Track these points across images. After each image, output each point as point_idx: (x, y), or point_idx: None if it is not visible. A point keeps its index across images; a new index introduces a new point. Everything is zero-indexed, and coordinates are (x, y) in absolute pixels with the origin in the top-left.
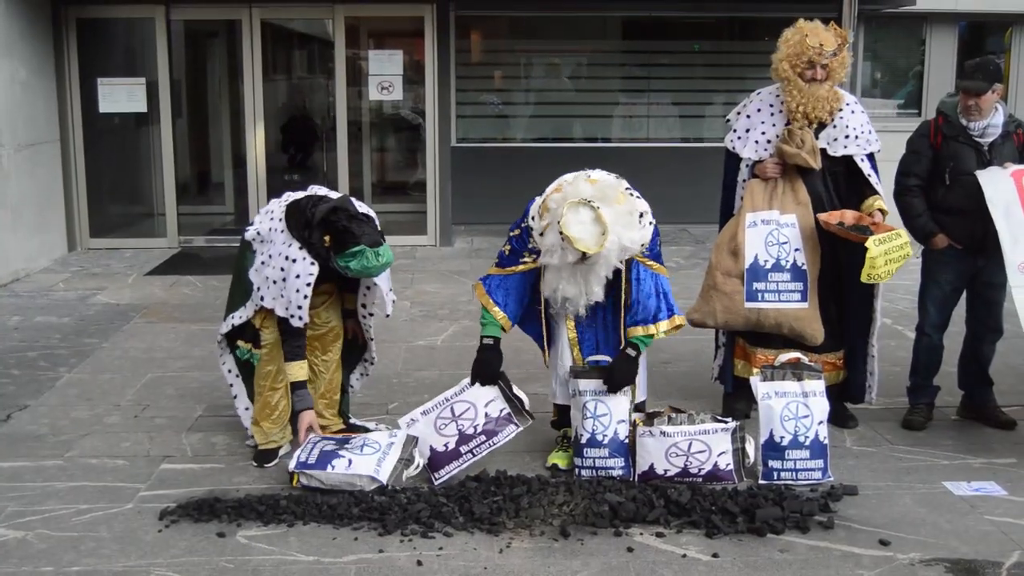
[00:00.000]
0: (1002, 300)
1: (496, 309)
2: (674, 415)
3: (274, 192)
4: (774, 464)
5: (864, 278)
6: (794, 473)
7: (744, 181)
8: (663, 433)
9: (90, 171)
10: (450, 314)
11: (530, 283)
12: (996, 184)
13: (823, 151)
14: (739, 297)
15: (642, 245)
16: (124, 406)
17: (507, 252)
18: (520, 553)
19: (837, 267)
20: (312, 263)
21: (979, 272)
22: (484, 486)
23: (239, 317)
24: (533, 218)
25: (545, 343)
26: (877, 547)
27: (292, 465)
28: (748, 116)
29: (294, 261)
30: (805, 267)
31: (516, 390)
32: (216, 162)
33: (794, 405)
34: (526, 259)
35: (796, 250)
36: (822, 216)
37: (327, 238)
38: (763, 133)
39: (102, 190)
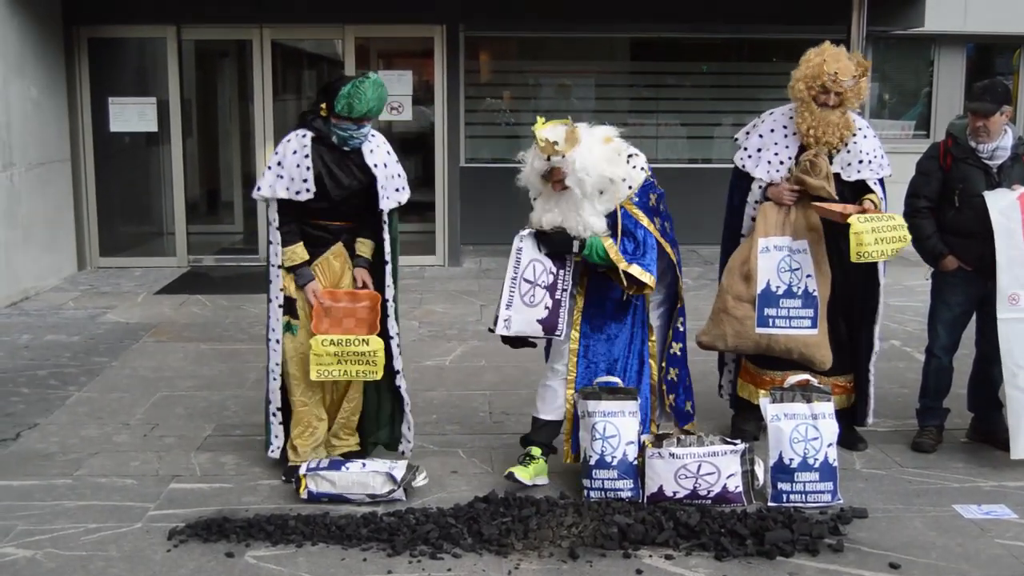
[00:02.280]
0: None
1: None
2: (683, 437)
3: None
4: (783, 486)
5: (853, 257)
6: (803, 495)
7: (757, 203)
8: (672, 455)
9: (100, 190)
10: (458, 334)
11: None
12: (1002, 207)
13: (836, 175)
14: (750, 322)
15: (630, 187)
16: (133, 425)
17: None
18: (529, 575)
19: (848, 290)
20: (304, 136)
21: (989, 294)
22: (493, 507)
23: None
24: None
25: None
26: (887, 570)
27: (302, 470)
28: (760, 135)
29: (287, 141)
30: (816, 293)
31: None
32: (226, 181)
33: (803, 427)
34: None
35: (808, 276)
36: (815, 204)
37: (323, 105)
38: (776, 155)
39: (112, 209)
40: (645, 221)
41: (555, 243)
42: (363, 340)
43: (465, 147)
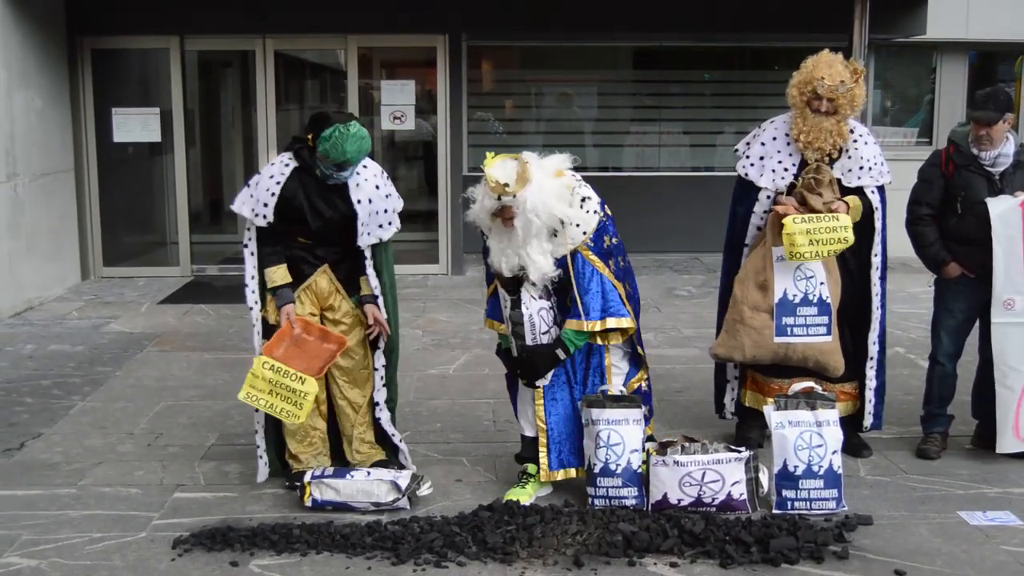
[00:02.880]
0: None
1: (500, 325)
2: (687, 444)
3: None
4: (788, 494)
5: (788, 257)
6: (808, 503)
7: (766, 212)
8: (676, 462)
9: (104, 200)
10: (462, 343)
11: None
12: (1004, 214)
13: (837, 181)
14: (768, 332)
15: (584, 233)
16: (137, 434)
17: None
18: None
19: (852, 297)
20: (286, 164)
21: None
22: (497, 515)
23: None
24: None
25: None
26: None
27: (307, 477)
28: (763, 143)
29: (272, 164)
30: (829, 300)
31: None
32: (229, 191)
33: (808, 434)
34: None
35: (821, 283)
36: (779, 208)
37: (310, 136)
38: (780, 162)
39: (116, 219)
40: (600, 266)
41: (540, 367)
42: (299, 378)
43: (468, 156)
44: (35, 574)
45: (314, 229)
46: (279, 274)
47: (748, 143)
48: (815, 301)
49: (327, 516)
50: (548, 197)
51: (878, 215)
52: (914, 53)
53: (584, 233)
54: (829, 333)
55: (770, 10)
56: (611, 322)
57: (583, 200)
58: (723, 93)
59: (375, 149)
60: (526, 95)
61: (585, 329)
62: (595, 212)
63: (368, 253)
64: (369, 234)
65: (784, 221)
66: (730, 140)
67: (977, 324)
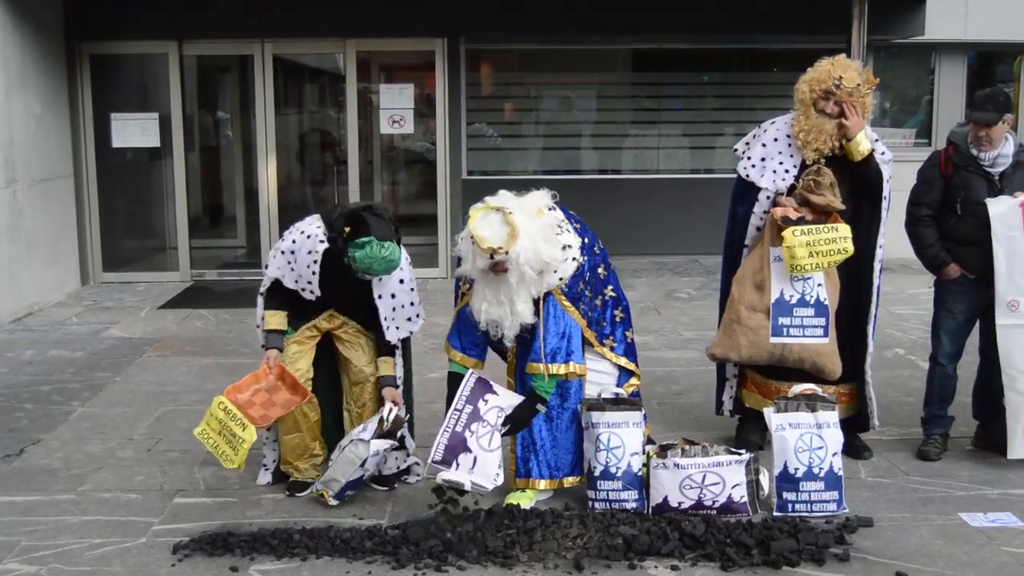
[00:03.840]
0: None
1: (455, 353)
2: (688, 447)
3: (286, 225)
4: (788, 496)
5: (788, 269)
6: (809, 505)
7: (765, 213)
8: (677, 465)
9: (103, 205)
10: None
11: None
12: (1003, 215)
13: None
14: (764, 332)
15: (560, 279)
16: (137, 440)
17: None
18: None
19: (851, 298)
20: (320, 241)
21: (992, 302)
22: (497, 519)
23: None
24: (462, 236)
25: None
26: None
27: (317, 486)
28: (764, 144)
29: (308, 237)
30: (827, 302)
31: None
32: (228, 196)
33: (808, 436)
34: (463, 290)
35: (819, 285)
36: (777, 210)
37: (347, 229)
38: (781, 163)
39: (115, 224)
40: (571, 311)
41: (521, 419)
42: (242, 424)
43: (467, 159)
44: None
45: (332, 298)
46: (275, 319)
47: (748, 143)
48: (812, 302)
49: (327, 521)
50: (536, 243)
51: (887, 188)
52: (913, 54)
53: (560, 279)
54: (826, 335)
55: (768, 12)
56: (572, 366)
57: (565, 247)
58: (722, 95)
59: (374, 154)
60: (525, 98)
61: (551, 372)
62: (574, 260)
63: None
64: (398, 328)
65: (784, 234)
66: (729, 142)
67: (977, 325)
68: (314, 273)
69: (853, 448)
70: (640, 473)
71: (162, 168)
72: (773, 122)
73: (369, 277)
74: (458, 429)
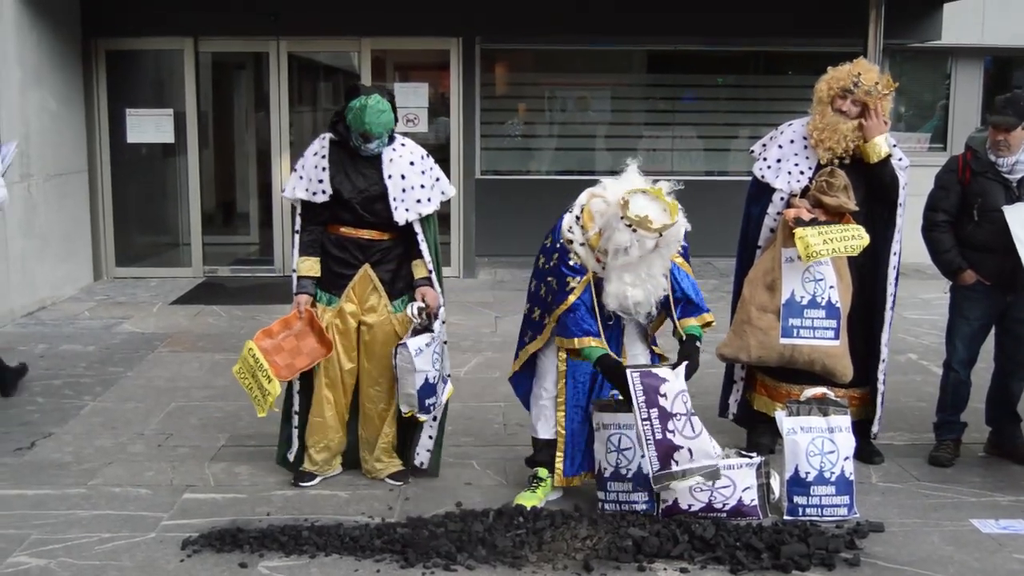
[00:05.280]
0: None
1: (587, 340)
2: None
3: None
4: (799, 500)
5: (803, 258)
6: (819, 509)
7: (778, 214)
8: None
9: (117, 201)
10: (473, 345)
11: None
12: (1023, 220)
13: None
14: (774, 333)
15: (677, 241)
16: (148, 435)
17: (551, 287)
18: None
19: (865, 301)
20: (324, 140)
21: (1008, 308)
22: (507, 519)
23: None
24: (570, 230)
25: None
26: None
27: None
28: (780, 146)
29: (312, 145)
30: (839, 304)
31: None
32: (242, 192)
33: (820, 440)
34: (572, 284)
35: (831, 287)
36: (790, 212)
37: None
38: (796, 165)
39: (129, 219)
40: (687, 268)
41: (694, 361)
42: (268, 377)
43: (480, 159)
44: (44, 574)
45: (351, 203)
46: (307, 265)
47: (764, 144)
48: (823, 304)
49: (336, 518)
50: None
51: (903, 195)
52: (929, 58)
53: (677, 241)
54: (837, 337)
55: (785, 15)
56: (708, 316)
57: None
58: (737, 98)
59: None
60: (539, 98)
61: (707, 321)
62: (685, 219)
63: (420, 234)
64: (407, 210)
65: (795, 232)
66: (743, 145)
67: (992, 332)
68: (324, 170)
69: (865, 453)
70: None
71: (176, 164)
72: (790, 124)
73: (372, 148)
74: (658, 437)
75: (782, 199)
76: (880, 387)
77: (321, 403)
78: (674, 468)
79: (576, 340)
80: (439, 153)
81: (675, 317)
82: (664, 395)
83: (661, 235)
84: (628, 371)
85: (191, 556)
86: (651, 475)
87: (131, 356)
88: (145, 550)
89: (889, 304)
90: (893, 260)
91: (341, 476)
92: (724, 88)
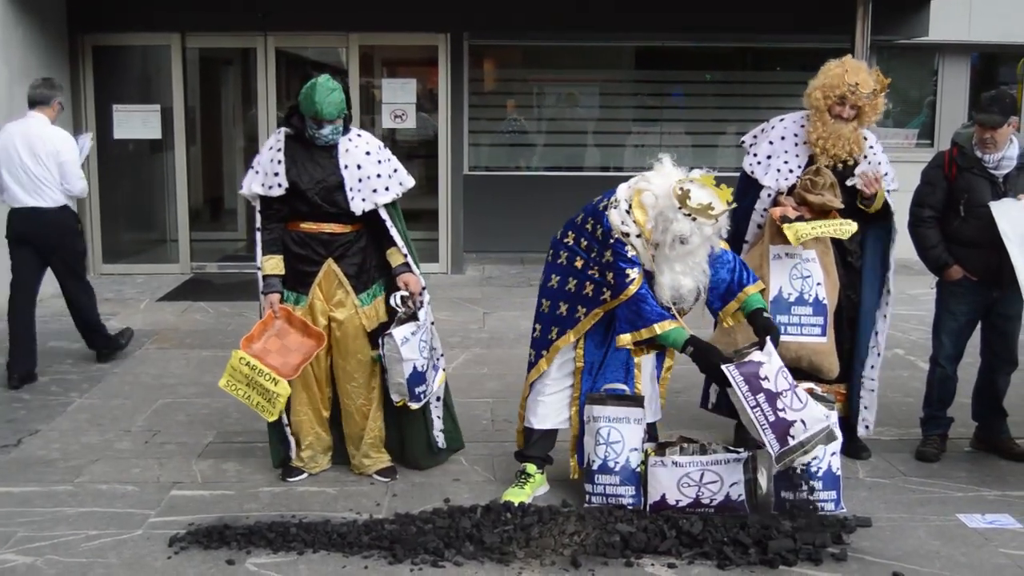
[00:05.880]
0: (1017, 332)
1: (666, 323)
2: (686, 445)
3: None
4: (787, 495)
5: (792, 241)
6: (807, 504)
7: (766, 210)
8: (675, 463)
9: (104, 197)
10: (461, 341)
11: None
12: (1010, 215)
13: (853, 189)
14: None
15: (723, 228)
16: (135, 432)
17: (599, 281)
18: None
19: (854, 297)
20: (278, 134)
21: (994, 304)
22: (495, 515)
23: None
24: (624, 223)
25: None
26: None
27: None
28: (771, 142)
29: (268, 139)
30: (826, 301)
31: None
32: (229, 189)
33: None
34: (632, 275)
35: (818, 284)
36: (776, 210)
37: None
38: (786, 163)
39: (115, 216)
40: (723, 244)
41: (773, 330)
42: (273, 379)
43: (468, 155)
44: (31, 571)
45: (308, 195)
46: (271, 263)
47: (756, 136)
48: (811, 301)
49: (324, 515)
50: None
51: (895, 220)
52: (916, 55)
53: (723, 227)
54: (824, 334)
55: (773, 11)
56: (760, 285)
57: None
58: (725, 94)
59: None
60: (527, 94)
61: (762, 287)
62: None
63: (388, 220)
64: (364, 199)
65: (783, 226)
66: (732, 140)
67: (978, 327)
68: (279, 163)
69: (852, 447)
70: (638, 469)
71: (163, 161)
72: (781, 119)
73: (326, 135)
74: (771, 419)
75: (770, 196)
76: (874, 383)
77: (297, 402)
78: (792, 443)
79: (657, 326)
80: (427, 149)
81: (718, 298)
82: (766, 378)
83: (718, 221)
84: (725, 367)
85: (178, 553)
86: (774, 456)
87: (118, 353)
88: (132, 547)
89: (885, 304)
90: (890, 263)
91: (329, 472)
92: (712, 84)
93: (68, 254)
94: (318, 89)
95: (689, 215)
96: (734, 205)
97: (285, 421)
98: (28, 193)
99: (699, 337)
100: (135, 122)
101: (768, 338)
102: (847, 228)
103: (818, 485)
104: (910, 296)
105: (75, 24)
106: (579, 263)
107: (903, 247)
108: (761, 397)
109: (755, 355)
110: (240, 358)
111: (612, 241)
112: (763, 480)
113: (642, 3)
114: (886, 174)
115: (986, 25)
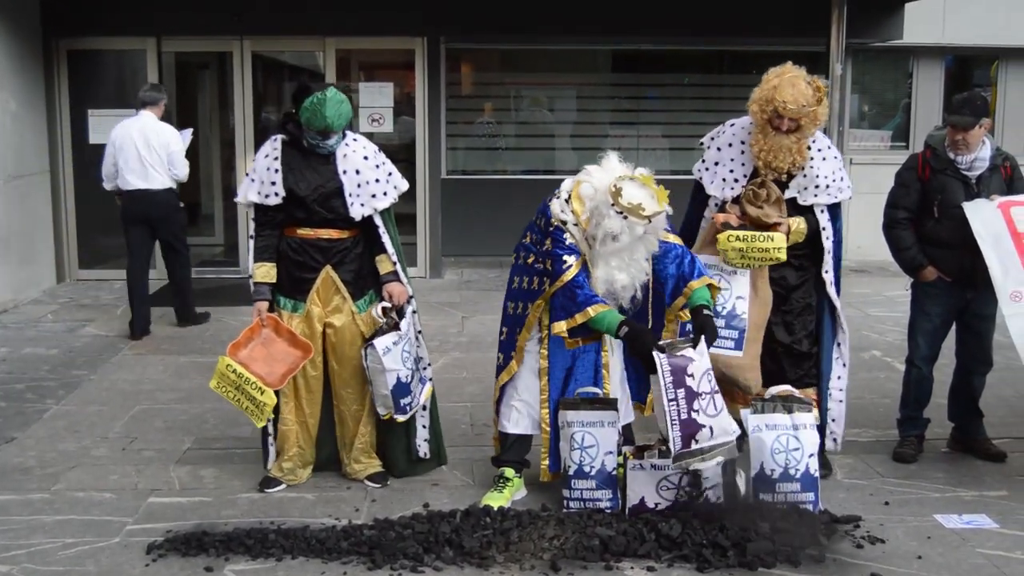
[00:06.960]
0: (992, 332)
1: (599, 306)
2: (664, 448)
3: None
4: (765, 497)
5: (722, 244)
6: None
7: (711, 217)
8: (654, 466)
9: (79, 202)
10: (440, 346)
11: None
12: (983, 216)
13: (792, 200)
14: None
15: (661, 227)
16: (112, 439)
17: (540, 272)
18: None
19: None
20: (275, 141)
21: (968, 304)
22: (474, 520)
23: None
24: (563, 211)
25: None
26: None
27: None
28: (719, 148)
29: (264, 146)
30: (743, 315)
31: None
32: (206, 194)
33: (784, 438)
34: (569, 262)
35: (738, 298)
36: (720, 216)
37: (295, 109)
38: (731, 171)
39: (91, 221)
40: (672, 237)
41: (711, 331)
42: (259, 388)
43: (446, 159)
44: None
45: (306, 201)
46: (262, 271)
47: (713, 137)
48: (723, 313)
49: (303, 521)
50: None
51: (825, 234)
52: (891, 57)
53: (661, 227)
54: (738, 348)
55: (748, 14)
56: (710, 280)
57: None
58: (702, 96)
59: None
60: (505, 98)
61: (707, 282)
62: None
63: (381, 227)
64: (363, 204)
65: (719, 236)
66: None
67: (954, 328)
68: (276, 171)
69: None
70: (614, 473)
71: None
72: (732, 124)
73: (330, 144)
74: (683, 417)
75: (716, 204)
76: (842, 395)
77: (285, 411)
78: (694, 447)
79: (590, 309)
80: (404, 153)
81: (667, 294)
82: (691, 375)
83: (650, 222)
84: (655, 354)
85: (156, 560)
86: (673, 454)
87: (95, 359)
88: (110, 555)
89: (841, 323)
90: (827, 278)
91: (308, 478)
92: (689, 87)
93: (173, 227)
94: (328, 104)
95: (621, 213)
96: (670, 210)
97: (270, 431)
98: (139, 178)
99: (633, 321)
100: (111, 127)
101: (703, 337)
102: (773, 257)
103: (794, 487)
104: (886, 298)
105: (49, 28)
106: (531, 259)
107: (878, 248)
108: (681, 392)
109: (688, 351)
110: (227, 365)
111: (551, 229)
112: (741, 483)
113: (619, 6)
114: (841, 179)
115: (960, 28)
